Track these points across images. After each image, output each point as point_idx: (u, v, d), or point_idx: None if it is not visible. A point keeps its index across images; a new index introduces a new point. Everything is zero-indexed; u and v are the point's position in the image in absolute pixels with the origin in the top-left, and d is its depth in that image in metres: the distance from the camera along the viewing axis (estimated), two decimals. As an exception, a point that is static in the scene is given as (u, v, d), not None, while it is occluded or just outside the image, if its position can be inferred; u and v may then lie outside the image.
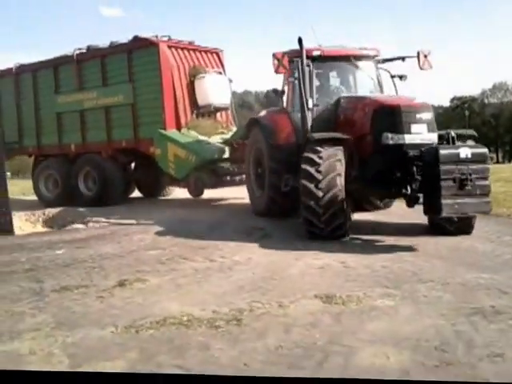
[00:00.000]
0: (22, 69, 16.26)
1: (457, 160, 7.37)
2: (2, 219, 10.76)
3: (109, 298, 5.82)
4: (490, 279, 5.89)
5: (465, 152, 7.39)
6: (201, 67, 14.44)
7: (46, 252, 8.68)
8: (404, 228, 9.20)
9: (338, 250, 7.63)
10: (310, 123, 9.45)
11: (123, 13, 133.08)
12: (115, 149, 14.72)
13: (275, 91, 10.82)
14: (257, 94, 65.45)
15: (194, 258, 7.64)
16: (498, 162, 54.15)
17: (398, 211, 10.41)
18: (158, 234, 9.81)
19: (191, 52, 14.60)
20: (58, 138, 15.59)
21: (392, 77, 10.40)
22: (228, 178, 13.23)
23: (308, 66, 9.45)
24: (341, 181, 8.23)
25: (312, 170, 8.25)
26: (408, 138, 8.33)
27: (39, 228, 12.71)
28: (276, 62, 9.39)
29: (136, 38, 14.01)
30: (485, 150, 7.65)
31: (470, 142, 8.27)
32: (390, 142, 8.40)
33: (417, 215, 8.64)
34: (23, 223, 12.60)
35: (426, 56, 9.81)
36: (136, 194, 16.83)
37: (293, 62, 9.53)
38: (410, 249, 7.65)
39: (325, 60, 10.03)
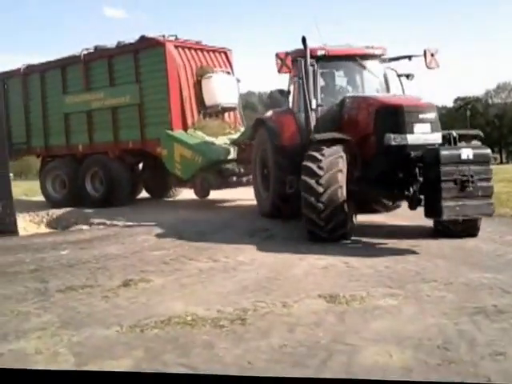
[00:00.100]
0: (30, 69, 16.33)
1: (458, 161, 7.23)
2: (6, 220, 10.82)
3: (114, 297, 5.86)
4: (493, 279, 5.89)
5: (466, 153, 7.26)
6: (208, 67, 14.36)
7: (50, 252, 8.75)
8: (408, 229, 9.19)
9: (341, 251, 7.64)
10: (313, 123, 9.37)
11: (126, 14, 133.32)
12: (122, 149, 14.71)
13: (281, 91, 10.73)
14: (260, 94, 65.32)
15: (198, 258, 7.68)
16: (501, 162, 53.99)
17: (404, 213, 10.38)
18: (162, 234, 9.85)
19: (198, 52, 14.53)
20: (65, 139, 15.63)
21: (399, 76, 10.26)
22: (234, 178, 13.20)
23: (312, 65, 9.35)
24: (342, 177, 8.15)
25: (313, 166, 8.18)
26: (411, 139, 8.23)
27: (43, 229, 12.79)
28: (279, 61, 9.36)
29: (142, 38, 13.97)
30: (487, 151, 7.50)
31: (476, 143, 8.17)
32: (393, 143, 8.32)
33: (423, 216, 8.59)
34: (27, 224, 12.69)
35: (432, 54, 9.68)
36: (144, 194, 16.79)
37: (296, 61, 9.44)
38: (413, 249, 7.62)
39: (330, 59, 9.94)
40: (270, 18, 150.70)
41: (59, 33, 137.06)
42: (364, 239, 8.47)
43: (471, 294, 5.43)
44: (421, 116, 8.35)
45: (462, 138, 8.07)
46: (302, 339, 4.38)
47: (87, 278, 6.84)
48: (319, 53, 9.73)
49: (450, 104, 75.14)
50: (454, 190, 7.19)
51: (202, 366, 3.95)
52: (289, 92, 10.64)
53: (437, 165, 7.25)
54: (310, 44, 9.38)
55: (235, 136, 13.65)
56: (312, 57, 9.40)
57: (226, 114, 14.89)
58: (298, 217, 8.94)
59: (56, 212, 13.50)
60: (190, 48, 14.30)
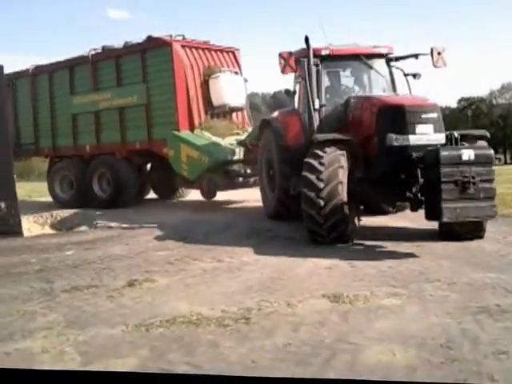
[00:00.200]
0: (38, 70, 16.32)
1: (459, 162, 7.05)
2: (11, 221, 10.86)
3: (119, 297, 5.90)
4: (496, 279, 5.90)
5: (468, 153, 7.09)
6: (216, 67, 14.25)
7: (55, 253, 8.79)
8: (412, 231, 9.14)
9: (345, 251, 7.65)
10: (316, 124, 9.31)
11: (130, 15, 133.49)
12: (130, 150, 14.64)
13: (287, 92, 10.57)
14: (263, 95, 65.30)
15: (202, 258, 7.70)
16: (505, 163, 53.78)
17: (409, 215, 10.32)
18: (166, 235, 9.86)
19: (206, 51, 14.41)
20: (73, 139, 15.60)
21: (405, 75, 10.08)
22: (241, 179, 13.16)
23: (316, 65, 9.29)
24: (343, 174, 8.05)
25: (315, 162, 8.09)
26: (413, 139, 8.10)
27: (47, 230, 12.83)
28: (282, 61, 9.30)
29: (149, 38, 13.92)
30: (489, 152, 7.31)
31: (481, 143, 8.04)
32: (395, 144, 8.18)
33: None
34: (31, 225, 12.73)
35: (439, 53, 9.44)
36: (152, 195, 16.72)
37: (300, 61, 9.34)
38: (416, 249, 7.60)
39: (335, 59, 9.85)
40: (272, 18, 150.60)
41: (61, 34, 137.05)
42: (368, 240, 8.41)
43: (474, 293, 5.44)
44: (423, 116, 8.22)
45: (465, 138, 7.93)
46: (306, 338, 4.41)
47: (92, 278, 6.88)
48: (323, 52, 9.63)
49: (453, 105, 74.89)
50: (455, 191, 7.03)
51: (206, 364, 3.98)
52: (294, 92, 10.52)
53: (437, 166, 7.10)
54: (316, 44, 9.33)
55: (243, 136, 13.47)
56: (316, 56, 9.34)
57: (234, 115, 14.75)
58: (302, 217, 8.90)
59: (60, 213, 13.52)
60: (197, 48, 14.19)
